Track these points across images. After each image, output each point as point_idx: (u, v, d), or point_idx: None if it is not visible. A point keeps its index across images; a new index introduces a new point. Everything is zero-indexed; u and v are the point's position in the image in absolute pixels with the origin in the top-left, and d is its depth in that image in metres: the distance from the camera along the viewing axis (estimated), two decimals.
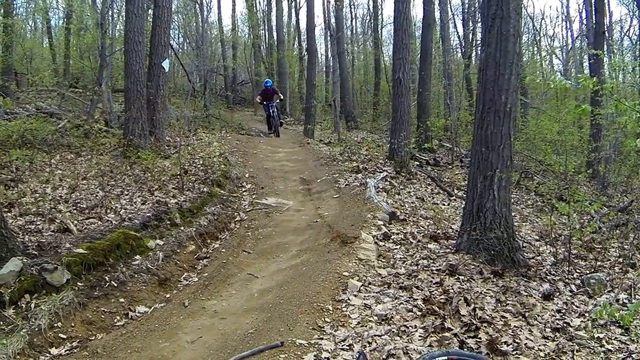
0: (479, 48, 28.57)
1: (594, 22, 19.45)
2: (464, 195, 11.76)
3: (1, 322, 5.58)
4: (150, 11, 16.99)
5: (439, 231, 9.08)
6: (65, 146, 13.13)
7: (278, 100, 22.32)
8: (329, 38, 31.61)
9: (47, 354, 5.46)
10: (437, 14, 21.83)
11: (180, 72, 31.02)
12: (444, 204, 11.77)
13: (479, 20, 26.06)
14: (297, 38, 38.92)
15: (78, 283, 6.48)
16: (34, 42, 28.10)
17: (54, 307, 5.92)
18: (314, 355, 4.82)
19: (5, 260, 6.22)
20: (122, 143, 13.09)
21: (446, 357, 4.03)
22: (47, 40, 28.93)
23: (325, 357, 4.82)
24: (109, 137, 14.54)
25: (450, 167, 16.47)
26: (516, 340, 5.12)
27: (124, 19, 15.22)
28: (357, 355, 4.29)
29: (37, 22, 32.73)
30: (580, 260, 8.06)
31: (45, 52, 27.34)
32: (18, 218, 8.16)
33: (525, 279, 6.97)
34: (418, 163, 16.01)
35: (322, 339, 5.16)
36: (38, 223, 8.03)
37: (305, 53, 34.51)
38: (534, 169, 16.20)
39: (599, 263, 7.86)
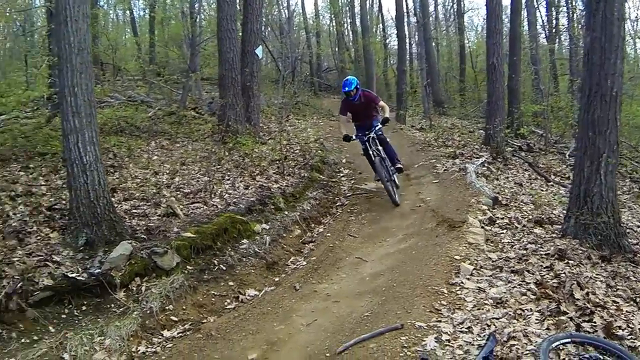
0: (562, 34, 27.84)
1: None
2: (562, 181, 11.59)
3: (113, 305, 5.70)
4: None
5: (542, 216, 8.83)
6: (160, 133, 13.33)
7: (379, 125, 10.07)
8: (413, 25, 31.33)
9: (160, 336, 5.52)
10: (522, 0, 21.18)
11: (265, 59, 31.31)
12: (542, 190, 11.44)
13: (564, 4, 25.33)
14: (380, 25, 38.58)
15: (187, 266, 6.56)
16: (117, 33, 28.75)
17: (165, 290, 5.99)
18: (435, 338, 4.74)
19: (115, 244, 6.33)
20: (217, 129, 13.21)
21: (569, 340, 4.28)
22: (130, 31, 29.60)
23: (445, 339, 4.74)
24: (202, 123, 14.70)
25: (544, 152, 15.98)
26: (630, 325, 4.94)
27: (216, 7, 15.35)
28: (488, 336, 4.34)
29: (118, 15, 33.50)
30: None
31: (129, 42, 27.99)
32: (123, 203, 8.28)
33: (633, 265, 6.80)
34: (512, 149, 15.61)
35: (440, 321, 5.09)
36: (144, 207, 8.13)
37: (393, 39, 34.35)
38: (628, 155, 15.48)
39: None
